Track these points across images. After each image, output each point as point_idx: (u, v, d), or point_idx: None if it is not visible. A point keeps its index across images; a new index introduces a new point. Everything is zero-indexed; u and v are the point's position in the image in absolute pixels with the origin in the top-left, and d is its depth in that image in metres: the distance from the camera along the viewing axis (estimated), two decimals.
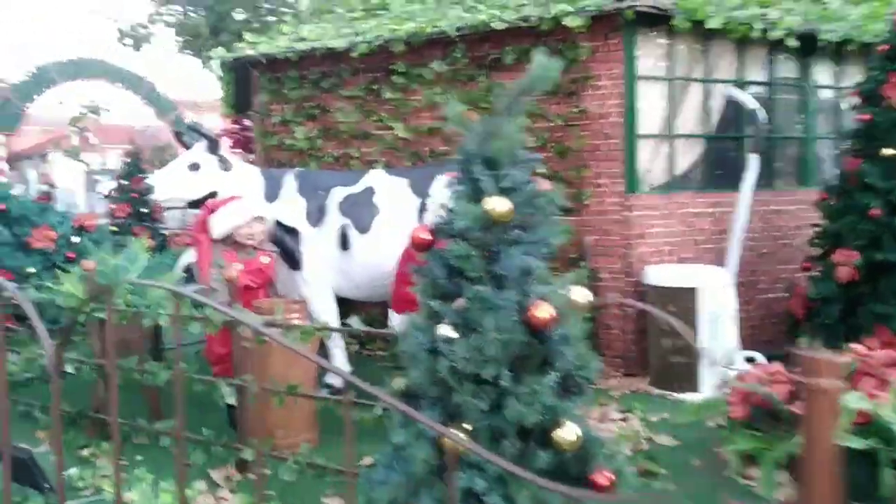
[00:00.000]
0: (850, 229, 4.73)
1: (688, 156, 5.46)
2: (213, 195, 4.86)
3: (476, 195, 2.24)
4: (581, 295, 2.34)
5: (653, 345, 4.98)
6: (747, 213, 5.22)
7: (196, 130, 4.86)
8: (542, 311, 2.13)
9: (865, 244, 4.64)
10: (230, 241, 4.20)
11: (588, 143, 5.16)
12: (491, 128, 2.30)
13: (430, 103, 5.70)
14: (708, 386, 4.75)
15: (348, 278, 4.88)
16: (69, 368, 4.08)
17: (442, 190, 4.27)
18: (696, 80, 5.36)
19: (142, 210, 10.03)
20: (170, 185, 4.73)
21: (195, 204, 4.94)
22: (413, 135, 5.82)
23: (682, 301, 4.72)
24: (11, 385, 4.76)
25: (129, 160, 10.43)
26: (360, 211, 4.78)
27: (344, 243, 4.79)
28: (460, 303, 2.19)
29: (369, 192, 4.84)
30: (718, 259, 5.44)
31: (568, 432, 2.11)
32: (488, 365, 2.08)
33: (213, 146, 4.81)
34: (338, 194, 4.88)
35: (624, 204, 5.14)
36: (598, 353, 3.26)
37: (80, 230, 7.20)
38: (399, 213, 4.76)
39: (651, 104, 5.22)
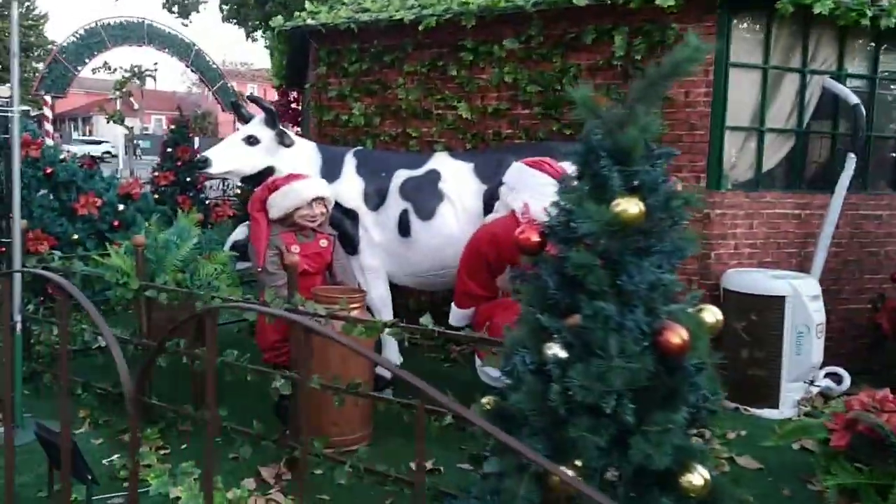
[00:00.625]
0: None
1: (777, 152, 5.04)
2: (269, 171, 4.61)
3: (600, 194, 1.92)
4: (712, 315, 2.02)
5: (728, 354, 4.61)
6: (837, 218, 4.80)
7: (256, 102, 4.59)
8: (676, 336, 1.81)
9: None
10: (289, 222, 3.94)
11: (670, 134, 4.77)
12: (622, 116, 1.97)
13: (499, 83, 5.35)
14: (788, 403, 4.39)
15: (405, 266, 4.60)
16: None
17: (520, 178, 3.94)
18: (793, 69, 4.92)
19: (186, 179, 9.87)
20: (227, 159, 4.47)
21: (250, 179, 4.68)
22: (477, 116, 5.48)
23: (766, 310, 4.35)
24: (50, 358, 4.62)
25: (173, 127, 10.26)
26: (423, 196, 4.48)
27: (404, 229, 4.51)
28: (576, 320, 1.88)
29: (433, 176, 4.53)
30: (801, 265, 5.04)
31: (697, 477, 1.80)
32: (610, 395, 1.76)
33: (273, 120, 4.54)
34: (399, 177, 4.59)
35: (706, 201, 4.76)
36: None
37: (126, 198, 7.03)
38: (464, 199, 4.45)
39: (741, 94, 4.81)
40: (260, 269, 3.82)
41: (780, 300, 4.31)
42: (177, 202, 9.11)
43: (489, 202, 4.43)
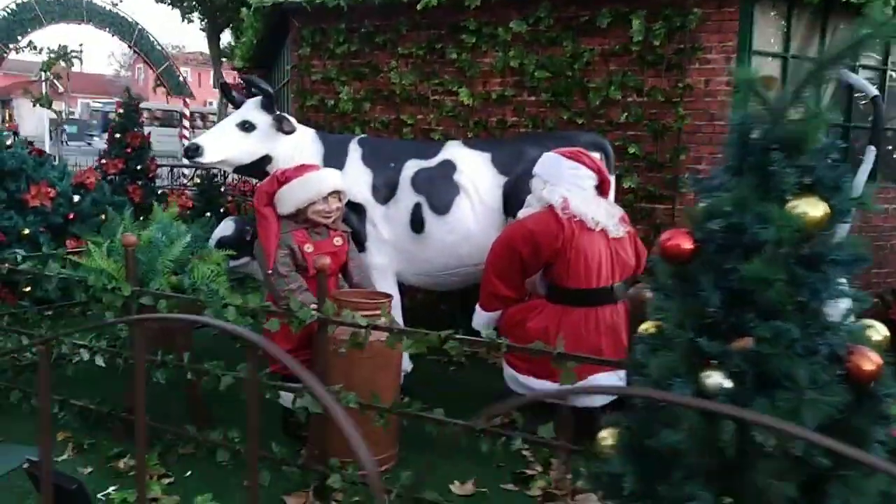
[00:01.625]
0: None
1: None
2: (266, 160, 4.17)
3: (768, 193, 1.63)
4: (878, 332, 1.77)
5: None
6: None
7: (251, 83, 4.13)
8: (867, 362, 1.55)
9: None
10: (302, 218, 3.52)
11: (689, 123, 4.57)
12: (791, 100, 1.69)
13: (504, 68, 5.02)
14: None
15: (416, 265, 4.24)
16: (99, 361, 3.40)
17: (557, 170, 3.64)
18: (813, 59, 4.77)
19: (136, 167, 9.20)
20: (221, 147, 4.01)
21: (245, 169, 4.23)
22: (480, 102, 5.15)
23: None
24: (17, 370, 4.07)
25: (122, 111, 9.52)
26: (438, 189, 4.13)
27: (416, 224, 4.14)
28: (746, 342, 1.60)
29: (448, 167, 4.18)
30: None
31: None
32: None
33: (270, 103, 4.09)
34: (410, 168, 4.22)
35: None
36: None
37: (80, 188, 6.40)
38: (481, 193, 4.12)
39: None
40: (270, 272, 3.40)
41: None
42: (127, 191, 8.46)
43: (508, 195, 4.12)
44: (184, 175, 13.20)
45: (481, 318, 3.81)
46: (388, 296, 3.35)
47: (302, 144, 4.23)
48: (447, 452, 3.33)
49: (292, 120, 4.09)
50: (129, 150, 9.13)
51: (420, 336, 2.70)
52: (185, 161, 3.91)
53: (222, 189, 8.84)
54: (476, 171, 4.15)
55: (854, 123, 5.12)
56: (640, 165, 4.69)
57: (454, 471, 3.32)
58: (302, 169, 3.51)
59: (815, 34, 4.80)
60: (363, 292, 3.52)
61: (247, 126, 4.07)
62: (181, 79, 13.34)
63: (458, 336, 2.67)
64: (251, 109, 4.10)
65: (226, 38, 25.87)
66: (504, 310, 3.74)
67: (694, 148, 4.61)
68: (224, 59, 24.92)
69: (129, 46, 12.35)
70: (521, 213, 3.62)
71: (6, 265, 3.73)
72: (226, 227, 4.70)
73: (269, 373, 3.49)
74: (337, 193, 3.55)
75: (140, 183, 9.13)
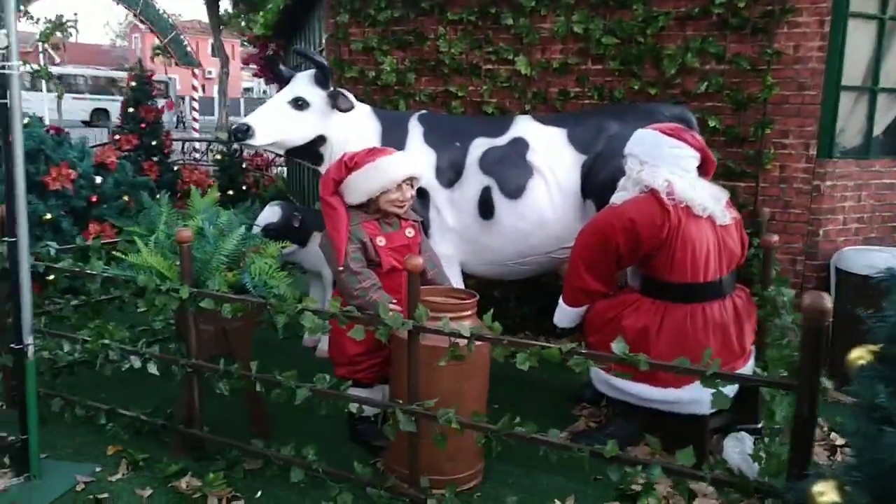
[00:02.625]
0: None
1: (885, 115, 4.51)
2: (320, 141, 3.79)
3: None
4: None
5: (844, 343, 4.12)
6: None
7: (305, 56, 3.72)
8: None
9: None
10: (374, 209, 3.16)
11: (776, 94, 4.17)
12: None
13: (566, 34, 4.60)
14: None
15: (484, 254, 3.89)
16: (152, 369, 3.06)
17: (656, 149, 3.26)
18: None
19: (151, 142, 8.80)
20: (273, 128, 3.62)
21: (297, 152, 3.85)
22: (539, 72, 4.74)
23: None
24: (54, 373, 3.73)
25: (134, 84, 9.09)
26: (509, 170, 3.76)
27: (485, 210, 3.78)
28: None
29: (520, 145, 3.80)
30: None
31: None
32: None
33: (326, 77, 3.69)
34: (478, 147, 3.84)
35: (815, 171, 4.20)
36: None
37: (102, 168, 6.01)
38: (557, 174, 3.75)
39: (855, 49, 4.22)
40: (342, 269, 3.04)
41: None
42: (142, 169, 8.07)
43: (586, 177, 3.75)
44: (195, 150, 12.77)
45: (565, 315, 3.47)
46: (473, 294, 2.99)
47: (357, 123, 3.85)
48: (536, 464, 3.02)
49: (349, 96, 3.69)
50: (143, 126, 8.72)
51: (535, 348, 2.35)
52: (233, 140, 3.53)
53: (243, 166, 8.43)
54: (551, 150, 3.78)
55: None
56: (720, 140, 4.30)
57: (550, 487, 3.01)
58: (373, 153, 3.13)
59: None
60: (443, 290, 3.17)
61: (300, 103, 3.67)
62: (188, 48, 12.82)
63: (582, 351, 2.32)
64: (304, 84, 3.70)
65: (224, 4, 25.17)
66: (591, 305, 3.40)
67: (780, 121, 4.21)
68: (222, 28, 24.24)
69: (135, 15, 11.82)
70: (616, 198, 3.25)
71: (42, 262, 3.37)
72: (272, 214, 4.35)
73: (337, 376, 3.18)
74: (411, 180, 3.17)
75: (156, 159, 8.74)
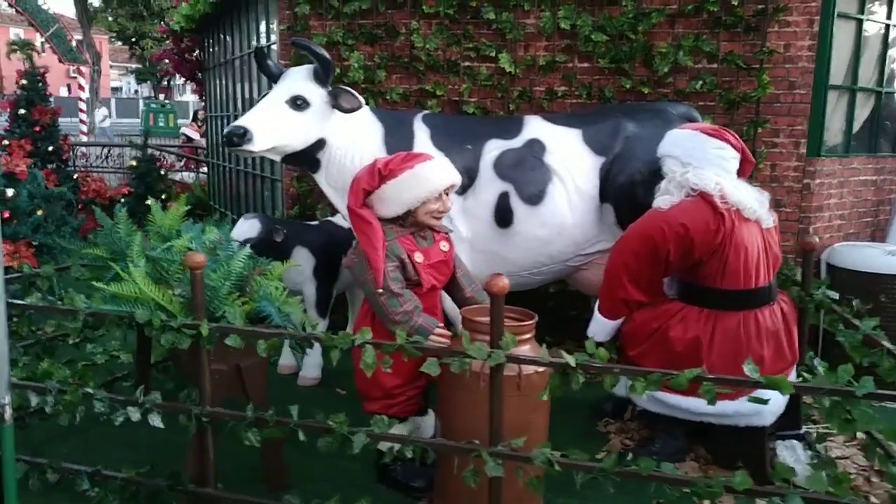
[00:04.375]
0: None
1: (863, 113, 4.64)
2: (319, 146, 3.38)
3: None
4: None
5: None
6: None
7: (303, 48, 3.28)
8: None
9: None
10: (410, 221, 2.80)
11: (767, 93, 4.16)
12: None
13: (553, 30, 4.40)
14: None
15: (500, 265, 3.61)
16: (156, 421, 2.58)
17: (701, 150, 3.10)
18: (880, 22, 4.51)
19: (48, 148, 7.88)
20: (273, 131, 3.17)
21: (293, 158, 3.41)
22: (523, 70, 4.51)
23: (894, 290, 3.94)
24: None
25: (25, 82, 8.09)
26: (527, 174, 3.51)
27: (503, 218, 3.51)
28: None
29: (537, 147, 3.56)
30: (873, 235, 4.75)
31: None
32: None
33: (327, 73, 3.28)
34: (492, 150, 3.56)
35: (805, 170, 4.24)
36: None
37: (10, 179, 5.21)
38: (576, 177, 3.54)
39: (838, 49, 4.30)
40: (381, 291, 2.67)
41: None
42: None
43: (605, 180, 3.56)
44: (83, 154, 11.57)
45: (603, 328, 3.26)
46: (531, 315, 2.71)
47: (357, 125, 3.46)
48: (591, 493, 2.79)
49: (355, 94, 3.29)
50: (37, 129, 7.77)
51: (655, 375, 2.11)
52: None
53: (162, 172, 7.66)
54: (568, 152, 3.56)
55: None
56: None
57: None
58: (409, 159, 2.76)
59: None
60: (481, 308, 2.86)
61: (299, 103, 3.24)
62: (73, 44, 11.62)
63: (711, 376, 2.10)
64: (302, 81, 3.27)
65: None
66: (628, 316, 3.21)
67: (771, 120, 4.22)
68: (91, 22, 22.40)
69: (11, 5, 10.54)
70: (662, 202, 3.06)
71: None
72: (250, 227, 3.86)
73: (367, 412, 2.82)
74: (451, 187, 2.85)
75: (53, 166, 7.82)
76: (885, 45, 4.61)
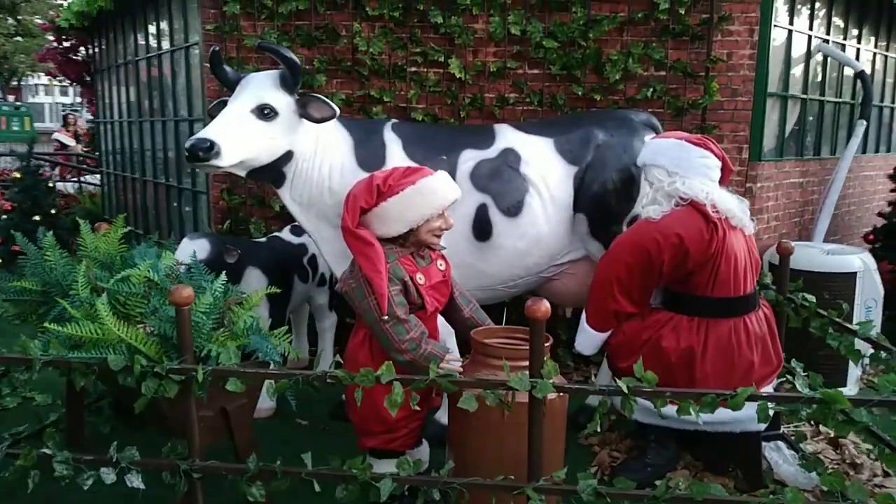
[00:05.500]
0: None
1: (792, 118, 4.88)
2: (286, 159, 3.09)
3: None
4: None
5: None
6: (843, 183, 4.83)
7: (272, 50, 2.97)
8: None
9: None
10: (412, 240, 2.59)
11: (714, 100, 4.28)
12: None
13: (503, 36, 4.31)
14: (853, 379, 4.31)
15: (477, 279, 3.47)
16: (136, 481, 2.25)
17: (687, 160, 3.08)
18: (805, 33, 4.76)
19: None
20: (241, 144, 2.84)
21: (261, 174, 3.09)
22: (473, 76, 4.39)
23: (838, 287, 4.15)
24: None
25: None
26: (505, 185, 3.38)
27: (481, 230, 3.37)
28: None
29: (512, 156, 3.44)
30: (800, 234, 5.02)
31: None
32: None
33: (295, 78, 2.99)
34: (468, 160, 3.40)
35: (748, 174, 4.40)
36: None
37: None
38: (551, 188, 3.46)
39: (773, 57, 4.48)
40: (387, 318, 2.45)
41: (852, 276, 4.16)
42: None
43: (579, 189, 3.50)
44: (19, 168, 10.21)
45: (591, 341, 3.21)
46: (546, 337, 2.58)
47: (325, 134, 3.20)
48: None
49: (326, 101, 3.02)
50: None
51: (710, 396, 2.04)
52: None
53: (50, 185, 6.88)
54: (543, 162, 3.47)
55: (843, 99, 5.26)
56: None
57: None
58: (409, 173, 2.55)
59: (805, 8, 4.77)
60: (501, 331, 2.71)
61: (266, 112, 2.94)
62: None
63: (764, 393, 2.06)
64: (269, 88, 2.97)
65: None
66: (616, 328, 3.16)
67: (716, 126, 4.34)
68: None
69: None
70: (651, 212, 3.03)
71: None
72: (199, 247, 3.49)
73: (365, 448, 2.62)
74: (454, 203, 2.67)
75: None
76: (808, 54, 4.87)
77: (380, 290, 2.45)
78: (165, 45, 5.41)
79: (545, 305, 2.13)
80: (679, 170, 3.04)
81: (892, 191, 5.48)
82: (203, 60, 4.60)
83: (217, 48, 3.06)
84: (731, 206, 3.00)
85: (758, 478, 3.05)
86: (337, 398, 3.67)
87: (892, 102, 6.28)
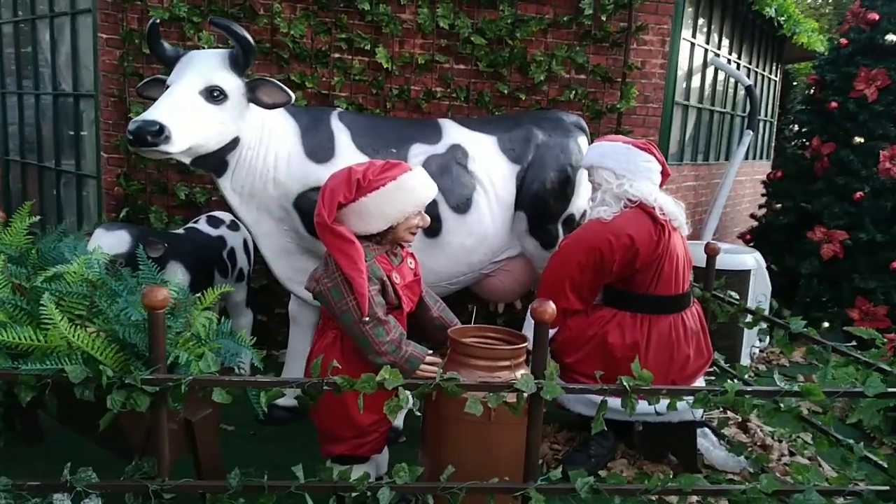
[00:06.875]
0: (826, 209, 5.13)
1: (689, 126, 5.22)
2: (232, 146, 2.86)
3: None
4: None
5: None
6: (731, 186, 5.26)
7: (223, 27, 2.71)
8: None
9: (843, 224, 5.09)
10: (389, 239, 2.49)
11: (630, 106, 4.49)
12: None
13: (431, 28, 4.25)
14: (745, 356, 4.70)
15: (424, 275, 3.38)
16: None
17: (633, 163, 3.17)
18: (702, 46, 5.10)
19: None
20: (191, 128, 2.57)
21: (205, 161, 2.82)
22: (399, 67, 4.29)
23: (734, 284, 4.51)
24: None
25: None
26: (454, 181, 3.35)
27: (431, 227, 3.30)
28: None
29: (459, 153, 3.41)
30: (690, 235, 5.41)
31: None
32: None
33: (247, 58, 2.76)
34: (418, 154, 3.32)
35: None
36: None
37: None
38: (497, 185, 3.48)
39: (679, 68, 4.78)
40: (367, 320, 2.33)
41: (747, 273, 4.54)
42: None
43: (521, 188, 3.54)
44: None
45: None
46: (522, 336, 2.58)
47: (271, 121, 3.00)
48: None
49: (279, 85, 2.81)
50: None
51: (702, 393, 2.13)
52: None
53: None
54: (488, 159, 3.47)
55: (731, 111, 5.68)
56: None
57: None
58: (388, 168, 2.44)
59: (704, 23, 5.12)
60: (475, 330, 2.67)
61: (216, 95, 2.69)
62: None
63: (749, 388, 2.18)
64: (218, 69, 2.72)
65: None
66: (562, 325, 3.24)
67: (630, 130, 4.56)
68: None
69: None
70: (601, 213, 3.11)
71: None
72: (117, 241, 3.15)
73: (329, 454, 2.53)
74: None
75: None
76: (704, 66, 5.25)
77: (360, 290, 2.33)
78: (43, 7, 4.81)
79: (551, 307, 2.12)
80: (626, 173, 3.15)
81: (763, 195, 6.05)
82: (98, 30, 4.13)
83: (157, 20, 2.75)
84: (674, 208, 3.16)
85: (693, 464, 3.24)
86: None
87: (764, 116, 6.94)
